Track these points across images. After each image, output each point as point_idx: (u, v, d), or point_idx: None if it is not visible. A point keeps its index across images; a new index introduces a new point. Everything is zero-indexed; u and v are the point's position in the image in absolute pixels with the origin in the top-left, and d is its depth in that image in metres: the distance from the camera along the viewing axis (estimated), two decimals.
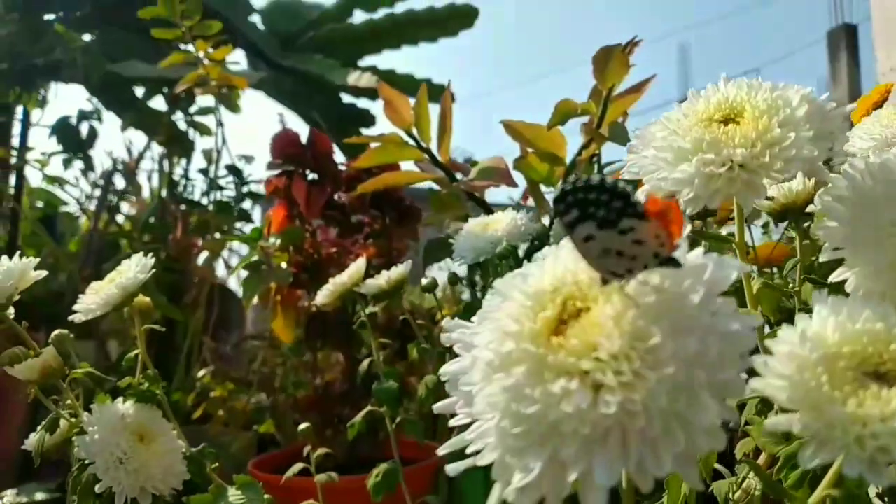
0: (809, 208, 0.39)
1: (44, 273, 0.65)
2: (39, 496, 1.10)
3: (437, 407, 0.32)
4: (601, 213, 0.27)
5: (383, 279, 0.83)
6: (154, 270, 0.65)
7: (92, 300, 0.63)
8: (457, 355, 0.33)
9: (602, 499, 0.26)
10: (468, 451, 0.29)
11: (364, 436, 0.91)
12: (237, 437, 1.28)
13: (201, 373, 1.29)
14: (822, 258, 0.36)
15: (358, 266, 0.85)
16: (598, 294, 0.29)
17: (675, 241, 0.28)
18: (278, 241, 1.01)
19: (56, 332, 0.65)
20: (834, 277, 0.36)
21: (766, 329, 0.43)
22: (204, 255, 1.45)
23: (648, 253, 0.28)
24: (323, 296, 0.85)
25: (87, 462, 0.58)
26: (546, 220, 1.11)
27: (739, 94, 0.38)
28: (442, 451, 0.31)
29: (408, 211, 1.07)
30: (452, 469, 0.30)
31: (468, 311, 1.01)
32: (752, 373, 0.30)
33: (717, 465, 0.49)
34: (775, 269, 0.81)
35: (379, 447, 1.07)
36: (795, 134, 0.34)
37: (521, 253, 0.92)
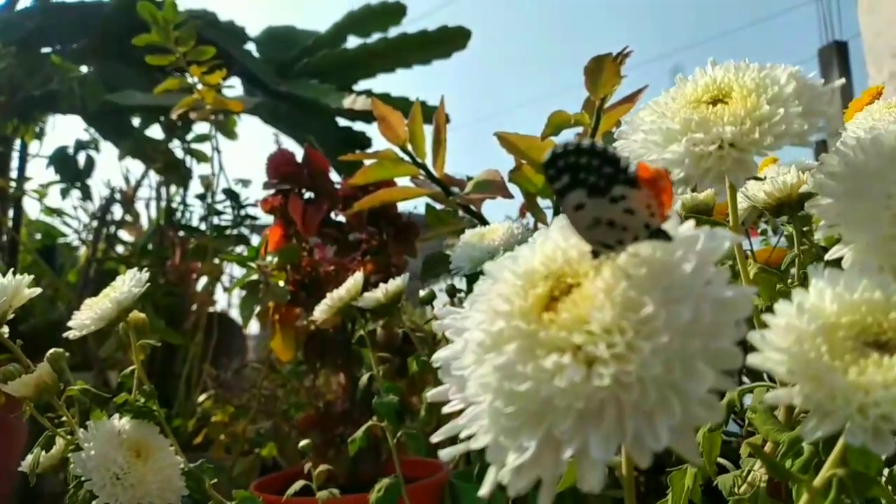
0: (803, 188, 0.39)
1: (37, 290, 0.64)
2: None
3: (431, 395, 0.31)
4: (592, 179, 0.26)
5: (381, 292, 0.83)
6: (149, 284, 0.64)
7: (86, 315, 0.62)
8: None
9: (600, 476, 0.25)
10: (461, 435, 0.29)
11: (366, 455, 0.90)
12: (239, 461, 1.27)
13: (201, 398, 1.27)
14: (818, 235, 0.36)
15: (356, 280, 0.85)
16: (588, 269, 0.28)
17: (665, 211, 0.27)
18: (275, 260, 1.01)
19: (52, 350, 0.64)
20: (831, 255, 0.35)
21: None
22: (203, 281, 1.44)
23: (639, 223, 0.27)
24: (321, 311, 0.84)
25: (83, 479, 0.57)
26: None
27: (727, 76, 0.37)
28: (436, 437, 0.30)
29: (405, 227, 1.06)
30: (446, 454, 0.29)
31: None
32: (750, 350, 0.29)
33: (721, 460, 0.48)
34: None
35: (381, 467, 1.06)
36: (784, 110, 0.34)
37: None
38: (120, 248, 1.50)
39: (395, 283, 0.84)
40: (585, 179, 0.26)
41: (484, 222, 1.07)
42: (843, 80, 0.36)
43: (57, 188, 1.44)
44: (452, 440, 0.30)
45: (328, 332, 1.05)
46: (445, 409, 0.30)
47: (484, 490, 0.27)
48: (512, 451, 0.26)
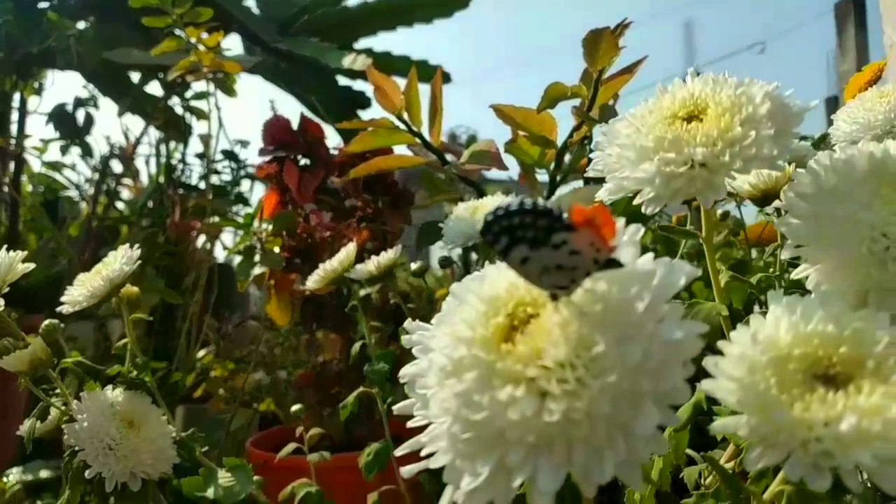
0: (775, 203, 0.39)
1: (31, 266, 0.65)
2: (44, 474, 1.12)
3: (397, 408, 0.33)
4: (530, 235, 0.27)
5: (373, 265, 0.84)
6: (140, 262, 0.65)
7: (79, 292, 0.63)
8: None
9: (549, 502, 0.26)
10: (422, 453, 0.30)
11: (360, 416, 0.92)
12: (237, 414, 1.30)
13: (201, 353, 1.30)
14: (784, 255, 0.36)
15: (348, 251, 0.86)
16: (547, 300, 0.29)
17: (610, 245, 0.28)
18: (271, 227, 1.02)
19: (46, 322, 0.66)
20: (796, 274, 0.36)
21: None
22: (203, 238, 1.46)
23: (587, 260, 0.28)
24: (314, 281, 0.86)
25: (77, 449, 0.59)
26: (539, 203, 1.11)
27: (704, 91, 0.37)
28: (400, 451, 0.31)
29: (401, 195, 1.07)
30: (406, 472, 0.30)
31: None
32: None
33: (689, 451, 0.50)
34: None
35: (375, 427, 1.09)
36: (756, 132, 0.34)
37: None
38: (120, 205, 1.51)
39: (387, 256, 0.84)
40: (524, 236, 0.27)
41: (481, 192, 1.07)
42: (816, 103, 0.36)
43: (57, 144, 1.44)
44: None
45: (324, 296, 1.06)
46: (410, 424, 0.32)
47: None
48: (467, 475, 0.28)
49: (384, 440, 0.80)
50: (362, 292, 0.92)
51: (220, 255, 1.54)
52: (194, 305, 1.38)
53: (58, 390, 0.62)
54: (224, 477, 0.63)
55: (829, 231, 0.34)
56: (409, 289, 1.24)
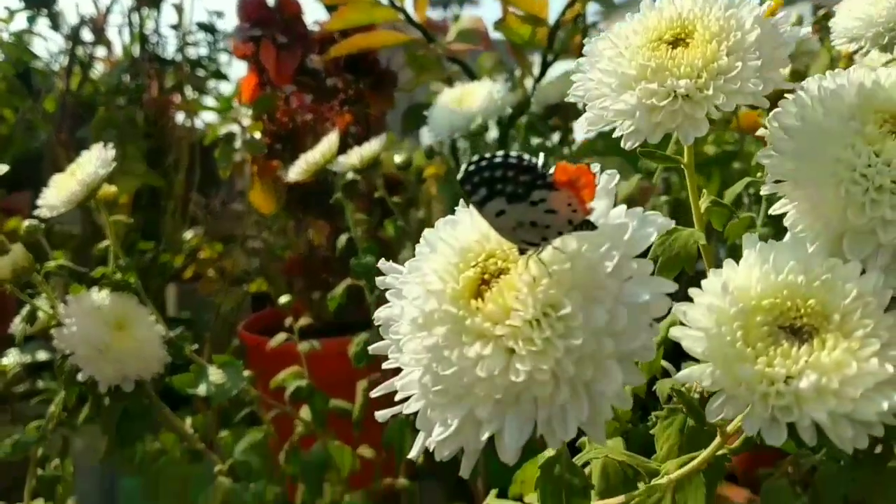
0: (760, 132, 0.38)
1: (4, 168, 0.64)
2: (42, 355, 1.16)
3: (373, 349, 0.33)
4: (509, 189, 0.26)
5: (356, 157, 0.82)
6: (115, 164, 0.64)
7: (55, 197, 0.62)
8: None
9: (515, 455, 0.27)
10: (396, 398, 0.31)
11: (350, 300, 0.94)
12: (228, 295, 1.32)
13: (189, 234, 1.30)
14: (764, 190, 0.36)
15: (330, 143, 0.84)
16: (517, 255, 0.29)
17: (586, 207, 0.27)
18: (251, 111, 0.99)
19: (27, 224, 0.65)
20: (774, 209, 0.36)
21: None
22: (182, 115, 1.42)
23: (562, 220, 0.27)
24: (295, 173, 0.84)
25: (68, 353, 0.60)
26: (529, 83, 1.08)
27: (693, 11, 0.35)
28: (375, 393, 0.32)
29: (383, 75, 1.03)
30: (381, 416, 0.31)
31: (449, 180, 1.00)
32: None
33: (664, 363, 0.51)
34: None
35: (365, 310, 1.11)
36: (742, 64, 0.33)
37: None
38: (96, 79, 1.45)
39: (371, 148, 0.83)
40: (503, 189, 0.26)
41: (470, 73, 1.03)
42: (808, 30, 0.34)
43: (24, 15, 1.36)
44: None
45: (309, 182, 1.05)
46: (384, 366, 0.32)
47: (413, 453, 0.30)
48: (438, 424, 0.29)
49: (372, 329, 0.82)
50: (349, 176, 0.90)
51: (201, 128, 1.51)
52: (178, 184, 1.36)
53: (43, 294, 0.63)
54: (215, 374, 0.65)
55: (809, 170, 0.33)
56: (396, 169, 1.23)
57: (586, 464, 0.39)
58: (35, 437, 0.61)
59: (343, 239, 0.87)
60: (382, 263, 0.34)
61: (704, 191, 0.41)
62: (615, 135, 0.35)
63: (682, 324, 0.30)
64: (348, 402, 0.78)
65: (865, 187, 0.32)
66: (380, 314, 0.33)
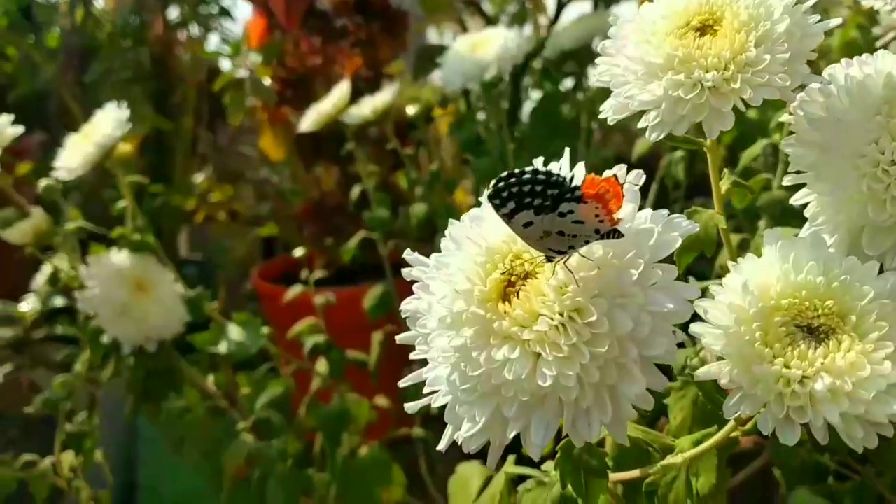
0: (784, 118, 0.38)
1: (20, 129, 0.64)
2: (59, 302, 1.18)
3: (400, 338, 0.34)
4: (538, 202, 0.27)
5: (368, 108, 0.82)
6: (131, 125, 0.63)
7: (72, 159, 0.62)
8: None
9: (540, 451, 0.29)
10: (424, 391, 0.32)
11: (363, 246, 0.94)
12: (241, 238, 1.33)
13: (199, 177, 1.30)
14: (786, 181, 0.36)
15: (342, 92, 0.83)
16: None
17: (613, 218, 0.28)
18: (260, 57, 0.97)
19: (44, 184, 0.66)
20: (796, 199, 0.36)
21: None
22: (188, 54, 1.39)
23: (589, 230, 0.28)
24: (306, 124, 0.84)
25: (92, 315, 0.62)
26: (543, 22, 1.06)
27: None
28: (403, 383, 0.33)
29: (394, 17, 1.01)
30: (411, 408, 0.32)
31: (461, 125, 0.99)
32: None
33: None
34: None
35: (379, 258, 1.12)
36: (770, 56, 0.32)
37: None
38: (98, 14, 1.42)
39: (384, 98, 0.82)
40: (531, 202, 0.27)
41: (483, 16, 1.01)
42: (839, 21, 0.33)
43: None
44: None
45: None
46: (413, 356, 0.33)
47: (441, 445, 0.31)
48: (466, 420, 0.30)
49: (386, 283, 0.84)
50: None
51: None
52: (186, 125, 1.35)
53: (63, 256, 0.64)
54: (234, 331, 0.67)
55: (832, 163, 0.33)
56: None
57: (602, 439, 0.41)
58: (63, 394, 0.63)
59: (356, 191, 0.87)
60: (408, 254, 0.34)
61: (725, 170, 0.41)
62: (639, 125, 0.35)
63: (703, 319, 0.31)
64: (363, 349, 0.80)
65: (887, 184, 0.32)
66: (407, 307, 0.33)
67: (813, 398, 0.28)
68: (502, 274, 0.30)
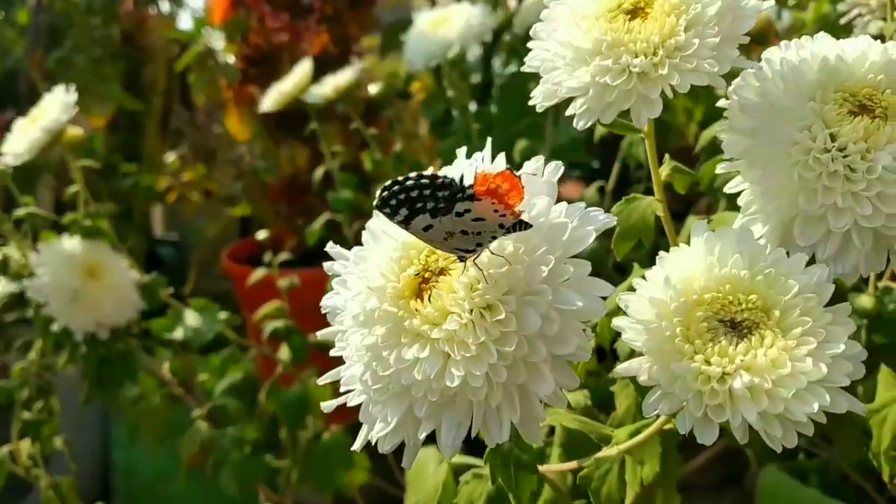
0: (721, 102, 0.36)
1: None
2: None
3: (320, 334, 0.33)
4: (431, 205, 0.26)
5: (330, 88, 0.80)
6: (78, 109, 0.62)
7: (19, 144, 0.61)
8: None
9: (454, 451, 0.28)
10: (340, 389, 0.31)
11: (331, 228, 0.93)
12: (215, 218, 1.31)
13: (171, 156, 1.28)
14: (719, 169, 0.35)
15: (303, 71, 0.82)
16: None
17: (514, 212, 0.27)
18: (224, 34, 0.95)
19: None
20: (730, 188, 0.35)
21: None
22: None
23: (492, 226, 0.27)
24: (268, 104, 0.82)
25: (42, 304, 0.61)
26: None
27: None
28: (321, 381, 0.33)
29: None
30: (327, 407, 0.32)
31: (430, 104, 0.97)
32: None
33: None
34: None
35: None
36: (699, 40, 0.31)
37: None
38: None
39: (345, 77, 0.81)
40: (424, 207, 0.26)
41: None
42: (771, 2, 0.32)
43: None
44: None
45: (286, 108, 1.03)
46: (332, 352, 0.33)
47: (356, 445, 0.31)
48: (379, 420, 0.29)
49: None
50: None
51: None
52: (156, 103, 1.33)
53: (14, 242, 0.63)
54: (191, 317, 0.66)
55: (764, 150, 0.32)
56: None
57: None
58: (18, 382, 0.62)
59: (320, 173, 0.86)
60: (330, 247, 0.33)
61: (666, 156, 0.40)
62: (567, 113, 0.33)
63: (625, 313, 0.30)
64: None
65: (819, 172, 0.31)
66: (326, 303, 0.33)
67: (732, 396, 0.27)
68: (416, 269, 0.29)
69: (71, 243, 0.64)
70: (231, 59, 0.98)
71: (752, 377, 0.27)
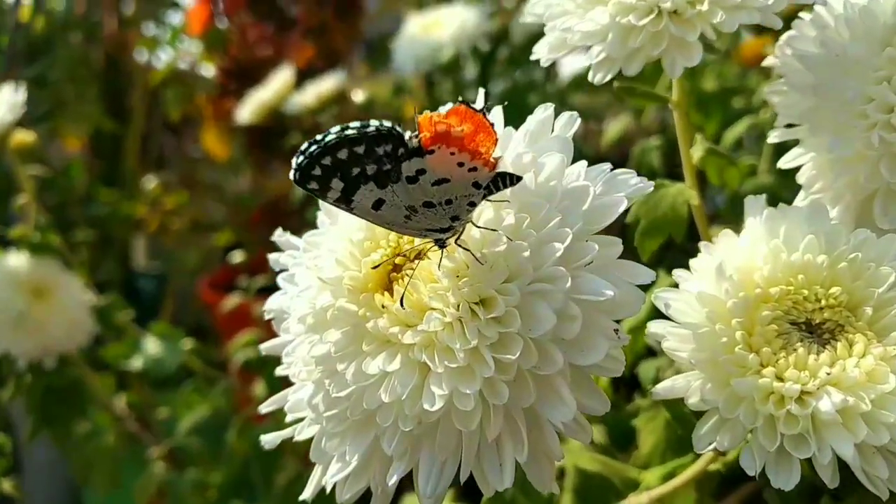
0: (767, 61, 0.30)
1: None
2: None
3: (264, 347, 0.26)
4: (372, 169, 0.19)
5: (312, 96, 0.74)
6: (25, 111, 0.55)
7: None
8: None
9: (438, 500, 0.20)
10: (286, 419, 0.24)
11: None
12: (196, 247, 1.25)
13: (151, 185, 1.22)
14: (771, 139, 0.28)
15: (282, 80, 0.76)
16: None
17: (486, 160, 0.20)
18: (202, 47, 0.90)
19: None
20: (785, 162, 0.28)
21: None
22: (143, 53, 1.31)
23: (463, 186, 0.20)
24: (245, 115, 0.76)
25: None
26: (510, 5, 0.98)
27: None
28: (265, 408, 0.25)
29: (348, 4, 0.93)
30: (268, 441, 0.24)
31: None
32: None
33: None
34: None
35: None
36: None
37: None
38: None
39: (328, 86, 0.74)
40: (363, 171, 0.19)
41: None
42: None
43: None
44: None
45: (269, 125, 0.97)
46: (278, 371, 0.25)
47: (305, 494, 0.23)
48: (336, 459, 0.22)
49: None
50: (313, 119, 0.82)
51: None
52: (136, 127, 1.27)
53: None
54: (152, 345, 0.58)
55: (831, 111, 0.25)
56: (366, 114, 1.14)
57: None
58: None
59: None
60: (278, 235, 0.26)
61: (699, 136, 0.33)
62: (583, 64, 0.26)
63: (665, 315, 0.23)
64: None
65: None
66: (271, 305, 0.25)
67: (816, 422, 0.20)
68: (384, 253, 0.21)
69: (16, 259, 0.56)
70: (210, 71, 0.92)
71: (843, 396, 0.20)
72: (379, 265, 0.21)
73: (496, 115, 0.22)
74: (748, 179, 0.51)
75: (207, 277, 1.06)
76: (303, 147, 0.19)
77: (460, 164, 0.19)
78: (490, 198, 0.20)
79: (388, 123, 0.19)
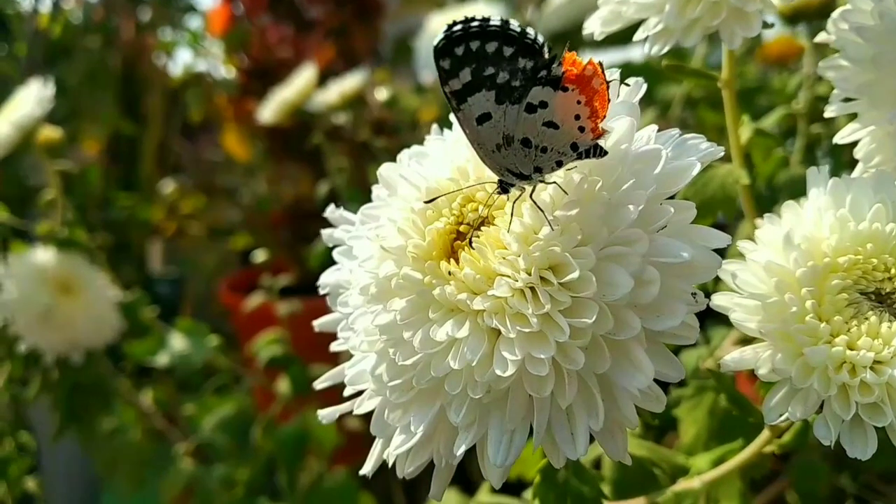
0: (820, 37, 0.29)
1: None
2: None
3: (317, 324, 0.26)
4: (502, 76, 0.19)
5: (335, 94, 0.74)
6: (53, 105, 0.55)
7: None
8: None
9: (504, 473, 0.20)
10: (345, 392, 0.23)
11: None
12: (213, 250, 1.25)
13: (169, 190, 1.22)
14: (829, 112, 0.27)
15: (305, 79, 0.75)
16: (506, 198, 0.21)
17: (597, 125, 0.19)
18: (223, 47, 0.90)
19: None
20: (842, 136, 0.27)
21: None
22: (161, 57, 1.32)
23: (564, 141, 0.19)
24: (267, 114, 0.76)
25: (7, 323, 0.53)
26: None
27: None
28: (319, 384, 0.25)
29: (368, 3, 0.93)
30: (326, 416, 0.24)
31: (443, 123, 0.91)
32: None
33: None
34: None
35: None
36: None
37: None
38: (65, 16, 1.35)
39: (351, 84, 0.74)
40: (494, 75, 0.19)
41: None
42: None
43: None
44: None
45: (291, 126, 0.97)
46: (333, 347, 0.25)
47: (366, 468, 0.23)
48: (399, 431, 0.21)
49: None
50: (333, 119, 0.82)
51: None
52: (153, 131, 1.27)
53: None
54: (178, 341, 0.58)
55: (889, 83, 0.25)
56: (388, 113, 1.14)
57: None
58: None
59: (324, 188, 0.79)
60: (330, 212, 0.26)
61: (745, 117, 0.33)
62: (636, 37, 0.26)
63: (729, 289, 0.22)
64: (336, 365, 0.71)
65: None
66: (326, 279, 0.25)
67: (891, 390, 0.20)
68: (447, 221, 0.21)
69: (43, 255, 0.56)
70: (231, 72, 0.92)
71: None
72: (450, 212, 0.20)
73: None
74: (782, 170, 0.50)
75: (226, 280, 1.05)
76: (452, 22, 0.19)
77: (577, 117, 0.19)
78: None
79: (539, 38, 0.19)
